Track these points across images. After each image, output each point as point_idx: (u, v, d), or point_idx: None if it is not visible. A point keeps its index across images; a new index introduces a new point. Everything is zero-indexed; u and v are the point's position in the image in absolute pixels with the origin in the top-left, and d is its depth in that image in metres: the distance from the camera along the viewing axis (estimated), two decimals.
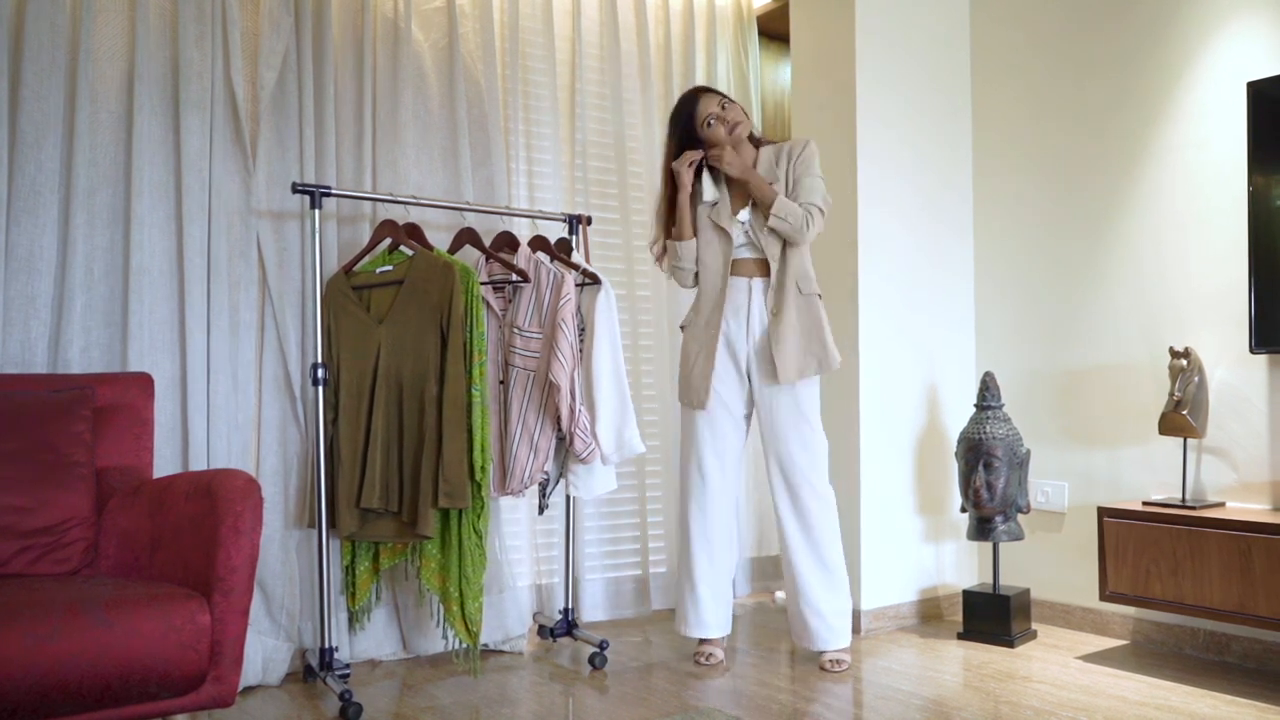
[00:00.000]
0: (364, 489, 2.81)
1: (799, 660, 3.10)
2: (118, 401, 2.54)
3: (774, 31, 4.31)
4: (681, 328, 3.13)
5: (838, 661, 2.96)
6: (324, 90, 3.08)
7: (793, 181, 2.98)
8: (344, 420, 2.88)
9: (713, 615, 3.06)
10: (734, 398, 3.03)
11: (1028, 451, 3.30)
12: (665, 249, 3.09)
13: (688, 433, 3.07)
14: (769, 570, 4.03)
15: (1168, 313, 3.22)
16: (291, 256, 3.02)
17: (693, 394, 3.03)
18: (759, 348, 2.99)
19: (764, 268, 3.01)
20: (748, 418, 3.08)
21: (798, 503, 2.96)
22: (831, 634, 2.98)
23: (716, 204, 3.05)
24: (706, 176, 3.07)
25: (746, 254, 3.02)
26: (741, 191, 3.04)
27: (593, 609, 3.60)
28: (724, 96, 3.02)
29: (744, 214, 3.02)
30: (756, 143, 3.09)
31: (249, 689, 2.82)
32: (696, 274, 3.07)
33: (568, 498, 3.31)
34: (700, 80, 3.95)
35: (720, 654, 3.07)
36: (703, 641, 3.09)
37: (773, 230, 2.94)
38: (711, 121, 2.97)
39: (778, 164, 3.02)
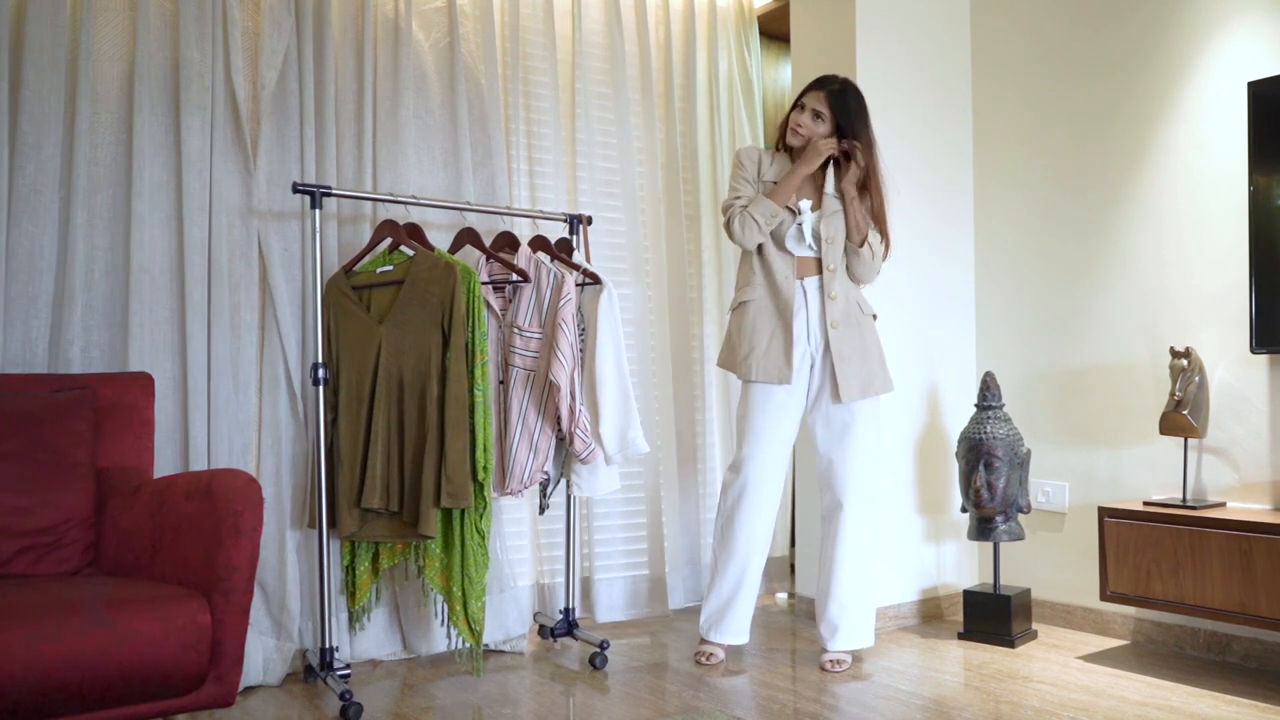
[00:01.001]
0: (364, 489, 2.81)
1: (800, 660, 3.10)
2: (118, 401, 2.54)
3: (775, 31, 4.31)
4: (734, 306, 3.07)
5: (839, 661, 2.97)
6: (324, 90, 3.08)
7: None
8: (344, 420, 2.88)
9: (747, 621, 3.09)
10: (795, 390, 3.00)
11: (1028, 451, 3.30)
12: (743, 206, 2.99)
13: (752, 411, 2.99)
14: (770, 571, 4.03)
15: (1168, 313, 3.22)
16: (292, 256, 3.02)
17: (771, 369, 2.94)
18: (820, 352, 2.99)
19: (816, 268, 3.00)
20: (802, 415, 3.06)
21: (847, 508, 2.99)
22: (860, 633, 3.03)
23: (775, 183, 3.02)
24: (778, 161, 3.06)
25: (801, 252, 3.00)
26: (807, 185, 3.02)
27: (609, 609, 3.60)
28: (831, 109, 2.97)
29: (807, 214, 2.97)
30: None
31: (249, 689, 2.82)
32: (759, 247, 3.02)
33: (569, 497, 3.30)
34: (701, 80, 3.95)
35: (721, 654, 3.07)
36: (704, 641, 3.09)
37: (834, 242, 2.98)
38: (799, 110, 3.00)
39: (829, 207, 3.02)
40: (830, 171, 3.05)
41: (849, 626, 3.02)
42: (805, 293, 2.99)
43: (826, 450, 3.02)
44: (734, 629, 3.07)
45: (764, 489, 3.01)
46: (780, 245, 2.99)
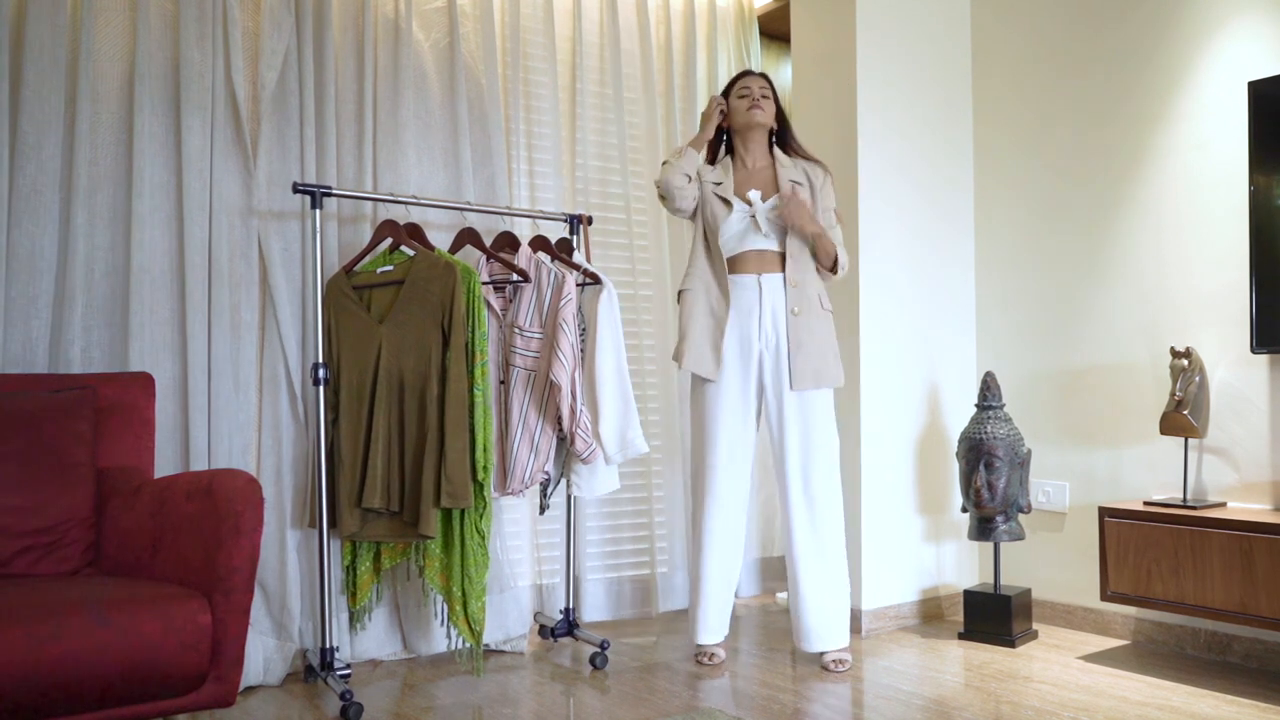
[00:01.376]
0: (365, 489, 2.81)
1: (800, 660, 3.10)
2: (119, 401, 2.54)
3: (775, 31, 4.31)
4: (680, 292, 3.08)
5: (840, 661, 2.96)
6: (325, 90, 3.08)
7: (816, 211, 3.03)
8: (345, 420, 2.88)
9: (719, 620, 3.07)
10: (745, 390, 3.00)
11: (1029, 451, 3.30)
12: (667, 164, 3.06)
13: (704, 416, 3.00)
14: (772, 571, 4.03)
15: (1168, 312, 3.22)
16: (292, 256, 3.02)
17: (702, 360, 2.97)
18: (773, 347, 2.98)
19: (776, 263, 2.99)
20: (758, 414, 3.06)
21: (811, 504, 2.97)
22: (830, 634, 2.98)
23: (721, 183, 3.05)
24: (720, 166, 3.10)
25: (759, 245, 2.99)
26: (759, 178, 3.05)
27: (594, 609, 3.60)
28: (768, 85, 3.09)
29: (759, 204, 2.99)
30: (781, 143, 3.14)
31: (250, 689, 2.82)
32: (693, 211, 3.08)
33: (569, 497, 3.30)
34: (701, 80, 3.95)
35: (722, 654, 3.07)
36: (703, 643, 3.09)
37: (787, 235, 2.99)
38: (744, 93, 3.07)
39: (800, 180, 3.04)
40: (779, 158, 3.08)
41: (821, 627, 2.98)
42: (761, 288, 2.98)
43: (780, 446, 2.99)
44: (711, 628, 3.05)
45: (722, 489, 3.00)
46: (715, 250, 3.01)
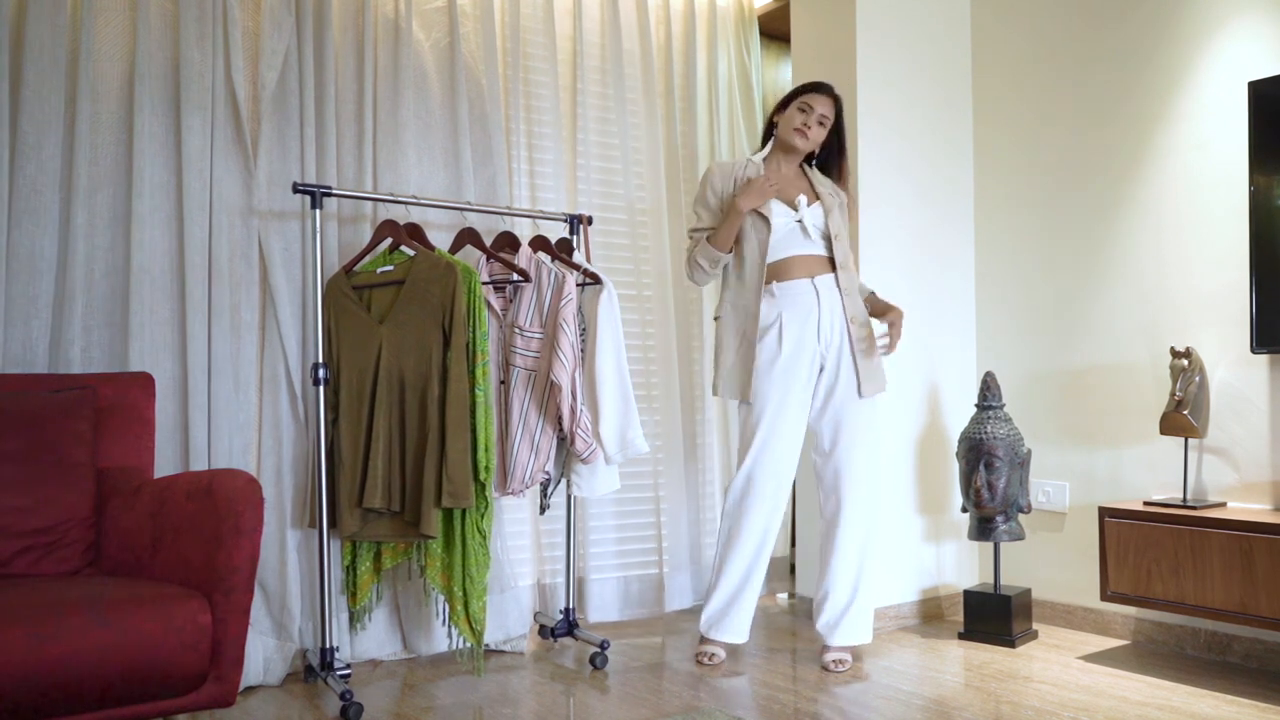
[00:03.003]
0: (365, 489, 2.81)
1: (800, 660, 3.10)
2: (119, 401, 2.54)
3: (775, 31, 4.31)
4: (715, 318, 3.09)
5: (840, 661, 2.97)
6: (325, 90, 3.08)
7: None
8: (345, 420, 2.88)
9: (746, 619, 3.09)
10: (804, 395, 2.99)
11: (1029, 451, 3.30)
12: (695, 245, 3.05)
13: (758, 419, 2.96)
14: (773, 571, 4.03)
15: (1168, 312, 3.22)
16: (292, 256, 3.02)
17: (734, 386, 2.98)
18: (835, 350, 2.98)
19: (824, 266, 2.98)
20: (810, 415, 3.05)
21: (849, 508, 3.00)
22: (854, 629, 3.03)
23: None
24: (754, 170, 3.04)
25: (806, 249, 2.98)
26: (796, 186, 3.03)
27: (602, 609, 3.59)
28: (832, 112, 3.01)
29: (806, 209, 2.98)
30: (824, 166, 3.13)
31: (250, 689, 2.82)
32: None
33: (570, 497, 3.30)
34: (701, 79, 3.95)
35: (722, 654, 3.07)
36: (705, 640, 3.09)
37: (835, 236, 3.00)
38: (804, 108, 2.98)
39: (827, 204, 3.02)
40: (813, 174, 3.08)
41: (849, 623, 3.02)
42: (818, 290, 2.97)
43: (833, 450, 3.00)
44: (735, 628, 3.06)
45: (771, 488, 3.00)
46: (755, 265, 2.97)
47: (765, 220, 2.97)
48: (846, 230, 3.06)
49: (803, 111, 2.99)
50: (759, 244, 2.97)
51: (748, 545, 3.02)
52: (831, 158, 3.11)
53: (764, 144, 3.14)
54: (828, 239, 2.99)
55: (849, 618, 3.02)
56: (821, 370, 3.00)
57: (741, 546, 3.02)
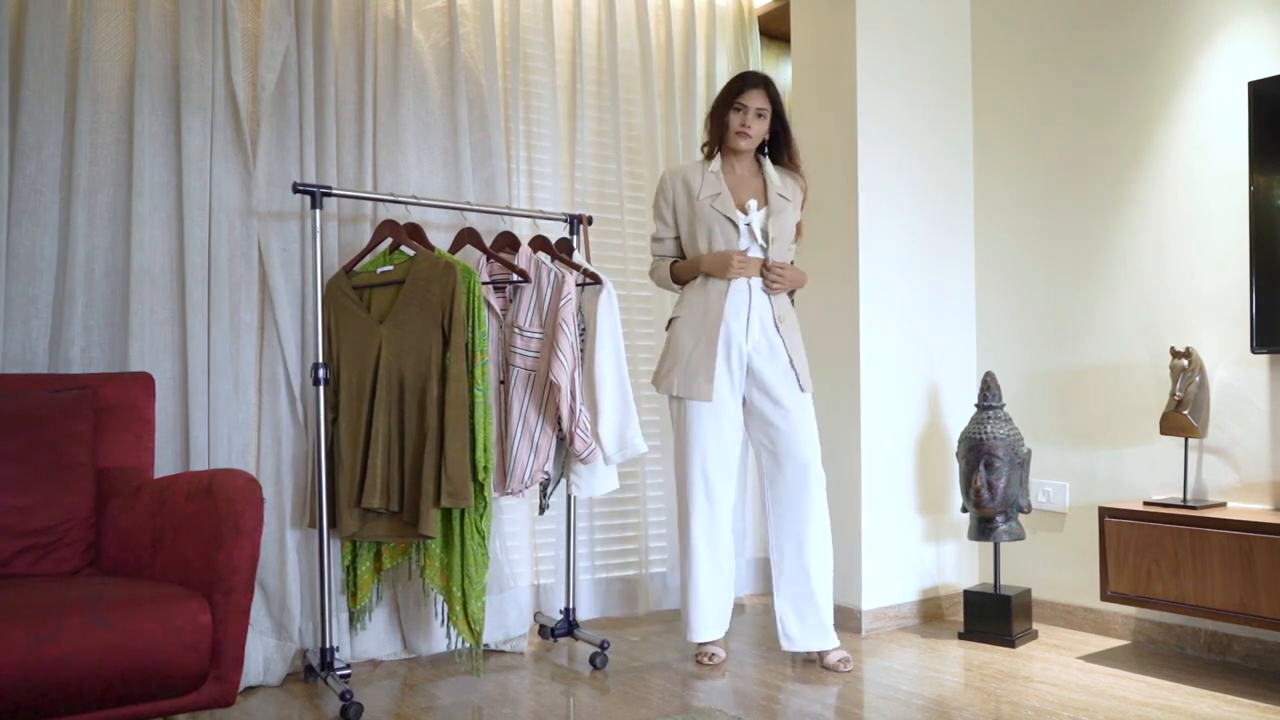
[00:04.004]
0: (365, 489, 2.81)
1: (800, 660, 3.10)
2: (119, 401, 2.54)
3: (775, 31, 4.31)
4: (672, 320, 3.10)
5: (847, 660, 2.95)
6: (324, 90, 3.08)
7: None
8: (345, 420, 2.88)
9: (715, 618, 3.06)
10: (733, 395, 3.02)
11: (1029, 451, 3.30)
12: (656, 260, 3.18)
13: (690, 429, 3.00)
14: (770, 572, 4.02)
15: (1168, 312, 3.22)
16: (292, 257, 3.02)
17: (694, 386, 2.97)
18: (759, 349, 2.99)
19: (759, 268, 3.00)
20: (742, 419, 3.08)
21: (812, 501, 2.98)
22: (829, 631, 3.00)
23: (719, 195, 3.02)
24: (711, 173, 3.04)
25: (752, 252, 3.01)
26: (750, 186, 3.05)
27: (584, 608, 3.59)
28: (766, 102, 3.00)
29: (755, 213, 3.01)
30: (774, 155, 3.11)
31: (250, 689, 2.82)
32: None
33: (569, 497, 3.30)
34: (700, 80, 3.95)
35: (722, 653, 3.07)
36: (703, 642, 3.09)
37: (775, 234, 3.01)
38: (739, 108, 2.99)
39: (787, 195, 3.05)
40: (767, 167, 3.08)
41: (828, 619, 3.00)
42: (751, 292, 2.99)
43: (788, 445, 2.97)
44: (693, 626, 3.03)
45: (718, 502, 3.02)
46: (706, 250, 3.01)
47: (734, 225, 2.99)
48: (792, 229, 3.07)
49: (739, 111, 3.00)
50: (725, 245, 3.00)
51: (702, 548, 3.03)
52: (778, 143, 3.10)
53: (711, 143, 3.09)
54: (765, 239, 3.00)
55: (826, 619, 3.00)
56: (747, 369, 3.00)
57: (697, 550, 3.02)
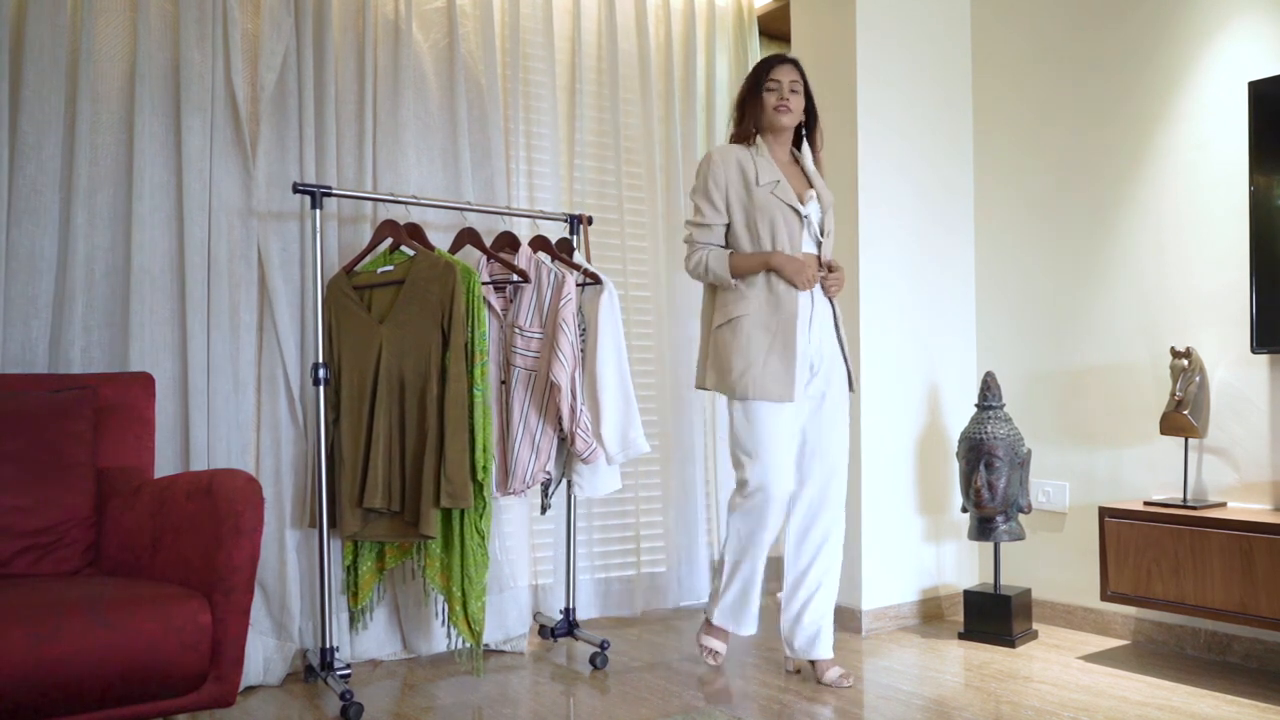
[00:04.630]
0: (366, 489, 2.81)
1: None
2: (119, 401, 2.54)
3: (775, 31, 4.31)
4: (734, 319, 2.80)
5: (846, 675, 2.87)
6: (324, 91, 3.08)
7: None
8: (345, 420, 2.88)
9: (757, 612, 3.01)
10: (806, 396, 2.87)
11: (1029, 451, 3.30)
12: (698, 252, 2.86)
13: (765, 430, 2.78)
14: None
15: (1168, 312, 3.22)
16: (292, 257, 3.02)
17: (776, 387, 2.76)
18: (821, 350, 2.87)
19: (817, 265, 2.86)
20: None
21: (833, 507, 2.89)
22: (830, 641, 2.92)
23: (779, 182, 2.82)
24: (761, 158, 2.83)
25: (809, 248, 2.85)
26: (796, 176, 2.89)
27: (584, 608, 3.59)
28: (800, 78, 2.85)
29: (814, 207, 2.86)
30: (809, 137, 2.95)
31: (250, 689, 2.82)
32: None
33: (569, 497, 3.30)
34: (700, 80, 3.95)
35: (723, 650, 3.03)
36: (710, 632, 3.01)
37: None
38: (772, 86, 2.83)
39: (824, 201, 2.91)
40: (806, 156, 2.93)
41: (830, 629, 2.92)
42: (813, 294, 2.84)
43: (816, 446, 2.89)
44: (749, 621, 2.98)
45: (782, 504, 2.87)
46: (795, 246, 2.82)
47: (798, 215, 2.82)
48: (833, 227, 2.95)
49: (772, 90, 2.83)
50: (789, 239, 2.81)
51: (762, 551, 2.92)
52: (810, 127, 2.96)
53: (744, 130, 2.89)
54: (819, 238, 2.87)
55: (829, 623, 2.92)
56: (811, 370, 2.86)
57: (762, 546, 2.91)
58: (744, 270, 2.81)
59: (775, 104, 2.83)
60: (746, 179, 2.83)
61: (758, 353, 2.78)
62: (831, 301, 2.90)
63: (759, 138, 2.89)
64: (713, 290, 2.92)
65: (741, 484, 2.86)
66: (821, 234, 2.87)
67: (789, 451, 2.84)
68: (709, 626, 3.04)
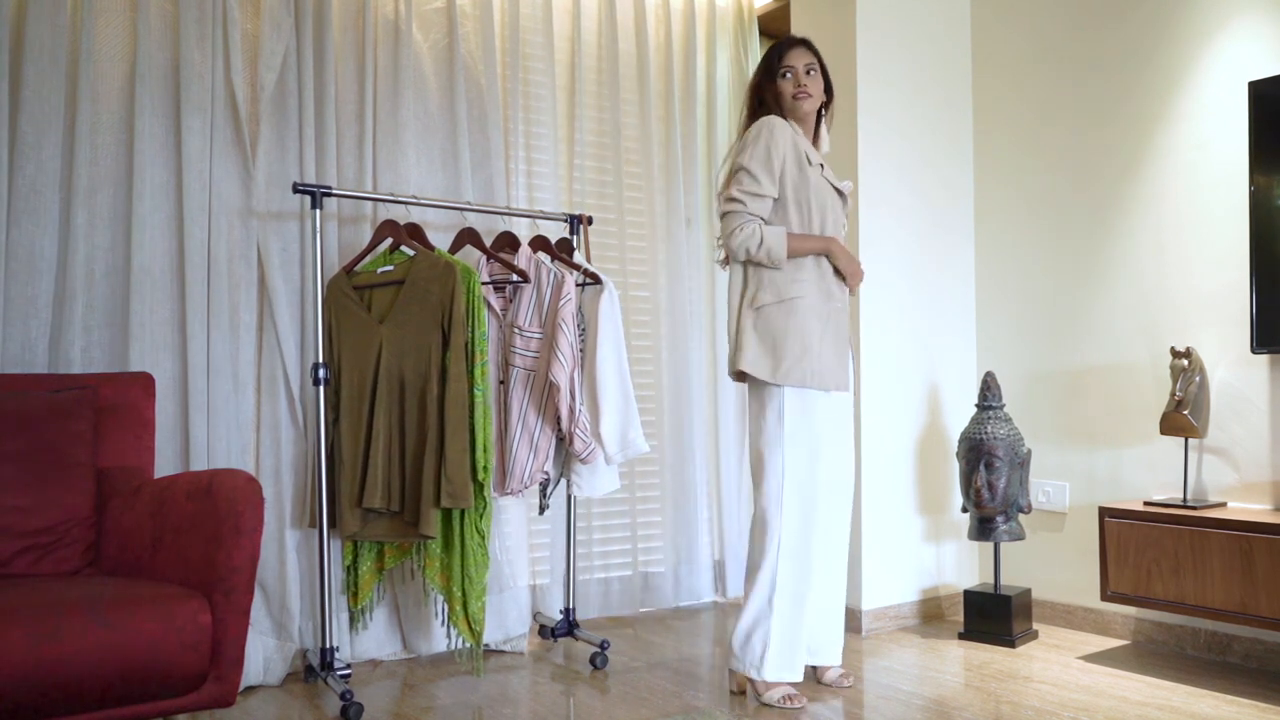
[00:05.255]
0: (365, 489, 2.81)
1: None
2: (119, 401, 2.54)
3: (775, 31, 4.30)
4: (791, 300, 2.64)
5: (847, 675, 2.86)
6: (324, 91, 3.08)
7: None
8: (345, 420, 2.88)
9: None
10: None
11: (1029, 451, 3.30)
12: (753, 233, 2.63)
13: (817, 424, 2.65)
14: None
15: (1169, 312, 3.22)
16: (292, 257, 3.02)
17: (833, 375, 2.64)
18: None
19: None
20: None
21: (846, 506, 2.81)
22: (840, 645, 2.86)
23: (824, 166, 2.74)
24: (802, 139, 2.72)
25: (841, 236, 2.76)
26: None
27: (584, 608, 3.59)
28: (815, 60, 2.74)
29: (847, 191, 2.81)
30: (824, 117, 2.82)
31: (250, 689, 2.82)
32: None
33: (569, 497, 3.30)
34: (700, 80, 3.95)
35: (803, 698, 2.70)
36: (783, 682, 2.69)
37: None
38: (786, 73, 2.72)
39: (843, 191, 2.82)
40: (824, 140, 2.83)
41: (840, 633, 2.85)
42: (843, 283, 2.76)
43: (838, 438, 2.76)
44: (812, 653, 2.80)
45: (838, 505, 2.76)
46: (837, 229, 2.73)
47: (842, 197, 2.75)
48: None
49: (787, 77, 2.72)
50: (835, 224, 2.72)
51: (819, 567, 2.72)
52: (828, 104, 2.83)
53: (750, 120, 2.76)
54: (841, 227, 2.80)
55: (839, 633, 2.84)
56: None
57: (819, 569, 2.71)
58: (801, 252, 2.65)
59: (793, 91, 2.71)
60: (799, 156, 2.68)
61: (812, 339, 2.62)
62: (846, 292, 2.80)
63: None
64: (753, 268, 2.69)
65: (794, 486, 2.65)
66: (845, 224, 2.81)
67: (841, 445, 2.75)
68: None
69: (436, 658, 3.15)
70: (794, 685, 2.69)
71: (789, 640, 2.65)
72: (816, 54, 2.77)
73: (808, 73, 2.73)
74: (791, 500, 2.64)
